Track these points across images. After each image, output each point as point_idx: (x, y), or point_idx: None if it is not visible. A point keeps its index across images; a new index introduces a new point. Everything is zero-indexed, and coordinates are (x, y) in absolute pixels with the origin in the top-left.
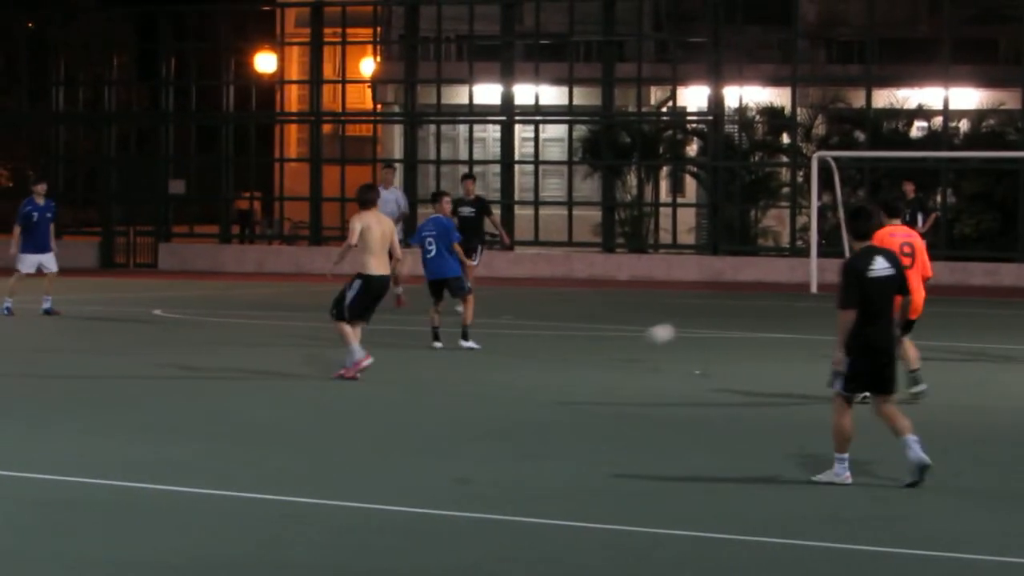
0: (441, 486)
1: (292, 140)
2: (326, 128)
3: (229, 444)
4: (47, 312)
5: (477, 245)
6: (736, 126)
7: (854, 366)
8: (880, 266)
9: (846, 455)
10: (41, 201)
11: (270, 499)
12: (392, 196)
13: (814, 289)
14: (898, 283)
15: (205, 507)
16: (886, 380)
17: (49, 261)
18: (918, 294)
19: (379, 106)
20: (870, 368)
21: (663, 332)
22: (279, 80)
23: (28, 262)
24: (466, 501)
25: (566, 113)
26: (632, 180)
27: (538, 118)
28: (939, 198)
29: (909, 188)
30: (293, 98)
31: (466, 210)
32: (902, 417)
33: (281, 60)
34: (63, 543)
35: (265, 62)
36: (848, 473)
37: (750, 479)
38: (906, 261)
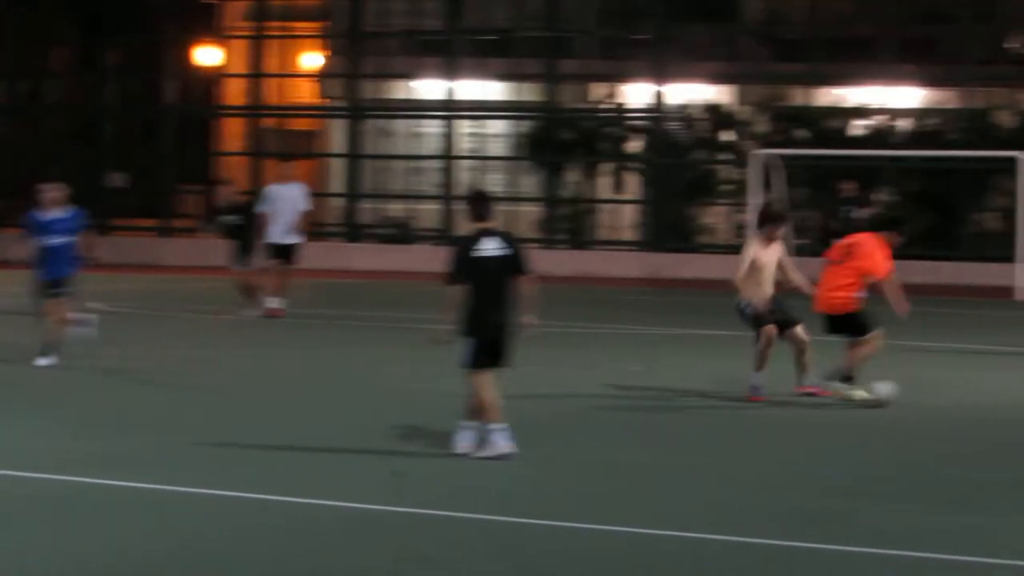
0: (381, 481)
1: (234, 133)
2: (268, 122)
3: (165, 438)
4: None
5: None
6: (678, 123)
7: (473, 343)
8: (489, 247)
9: (502, 424)
10: None
11: (210, 494)
12: (292, 192)
13: None
14: (511, 264)
15: (137, 503)
16: (497, 355)
17: None
18: (832, 291)
19: (323, 100)
20: (485, 344)
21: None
22: (221, 73)
23: None
24: (404, 495)
25: (509, 109)
26: (574, 176)
27: (481, 114)
28: (880, 196)
29: (848, 186)
30: (235, 91)
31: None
32: (496, 406)
33: (223, 53)
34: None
35: (207, 55)
36: (510, 443)
37: (679, 470)
38: (835, 256)
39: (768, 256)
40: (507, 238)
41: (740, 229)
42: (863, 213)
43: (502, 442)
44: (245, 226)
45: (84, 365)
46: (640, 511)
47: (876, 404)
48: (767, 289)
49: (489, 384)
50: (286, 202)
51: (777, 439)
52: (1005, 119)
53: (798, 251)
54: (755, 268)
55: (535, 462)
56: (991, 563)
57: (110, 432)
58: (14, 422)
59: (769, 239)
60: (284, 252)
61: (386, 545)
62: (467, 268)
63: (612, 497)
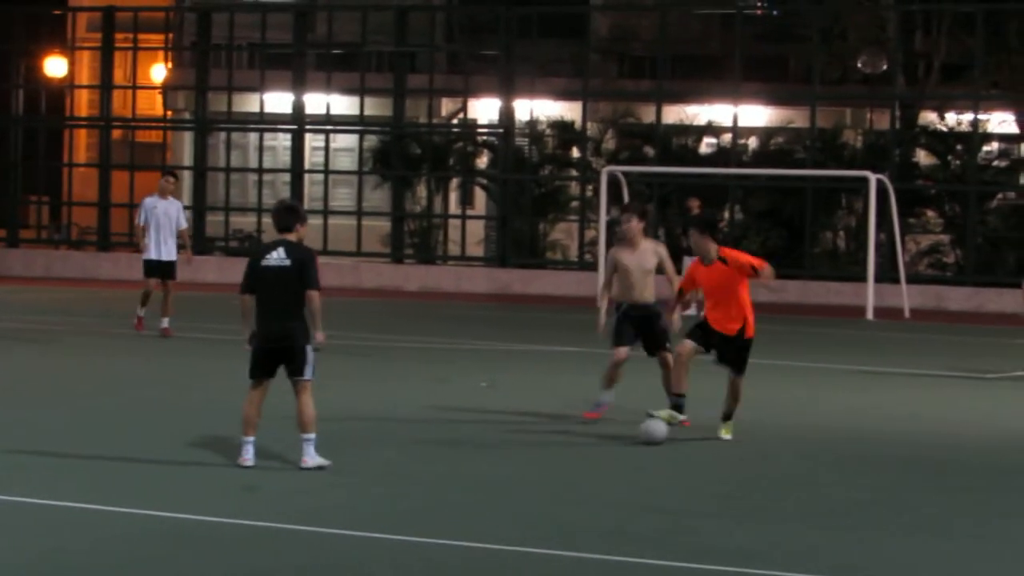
0: (230, 493)
1: (82, 145)
2: (116, 133)
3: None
4: None
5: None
6: (527, 139)
7: (254, 351)
8: (276, 257)
9: (251, 438)
10: None
11: (44, 504)
12: (172, 207)
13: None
14: (293, 275)
15: None
16: (271, 367)
17: None
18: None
19: (169, 112)
20: (258, 353)
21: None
22: (69, 84)
23: None
24: (251, 509)
25: (357, 123)
26: (422, 191)
27: (329, 127)
28: (727, 214)
29: (694, 204)
30: (83, 103)
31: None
32: (310, 413)
33: (71, 64)
34: None
35: (55, 66)
36: (249, 456)
37: (528, 484)
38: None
39: (629, 259)
40: (294, 250)
41: (590, 245)
42: None
43: (308, 455)
44: None
45: None
46: (450, 524)
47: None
48: (634, 294)
49: (253, 398)
50: (165, 217)
51: (613, 456)
52: (853, 138)
53: None
54: (617, 272)
55: (362, 474)
56: None
57: None
58: None
59: (621, 240)
60: (164, 269)
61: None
62: (251, 277)
63: (423, 511)
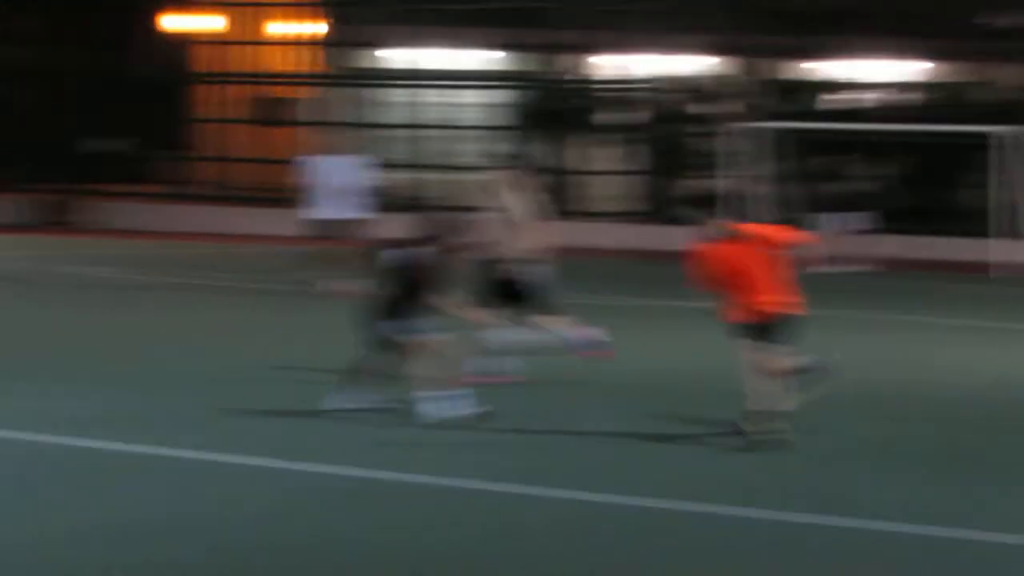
0: None
1: (204, 100)
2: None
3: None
4: None
5: None
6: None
7: None
8: None
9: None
10: None
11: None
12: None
13: None
14: None
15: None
16: None
17: None
18: None
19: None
20: None
21: None
22: (196, 40)
23: None
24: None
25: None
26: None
27: (484, 82)
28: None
29: (823, 160)
30: (215, 58)
31: None
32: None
33: (199, 20)
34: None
35: (178, 22)
36: None
37: None
38: None
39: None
40: None
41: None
42: (840, 187)
43: None
44: None
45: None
46: None
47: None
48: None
49: None
50: (339, 174)
51: None
52: (980, 94)
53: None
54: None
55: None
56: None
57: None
58: None
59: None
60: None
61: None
62: None
63: None
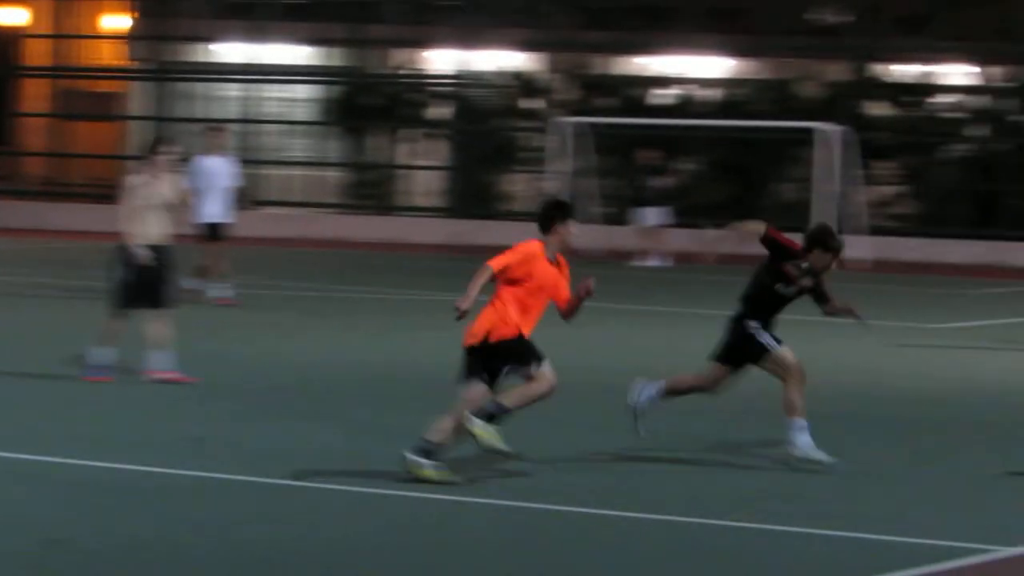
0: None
1: (34, 95)
2: (69, 84)
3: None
4: None
5: None
6: (483, 89)
7: None
8: None
9: None
10: None
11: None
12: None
13: None
14: None
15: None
16: None
17: None
18: None
19: (129, 63)
20: None
21: None
22: (23, 34)
23: None
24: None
25: (315, 73)
26: (379, 142)
27: (285, 78)
28: (682, 166)
29: (649, 155)
30: (39, 52)
31: None
32: None
33: (27, 13)
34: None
35: (9, 15)
36: None
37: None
38: None
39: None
40: None
41: (540, 196)
42: (662, 182)
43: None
44: None
45: None
46: None
47: None
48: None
49: None
50: (215, 176)
51: None
52: (807, 90)
53: (606, 219)
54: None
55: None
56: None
57: None
58: None
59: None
60: (216, 231)
61: None
62: None
63: None
